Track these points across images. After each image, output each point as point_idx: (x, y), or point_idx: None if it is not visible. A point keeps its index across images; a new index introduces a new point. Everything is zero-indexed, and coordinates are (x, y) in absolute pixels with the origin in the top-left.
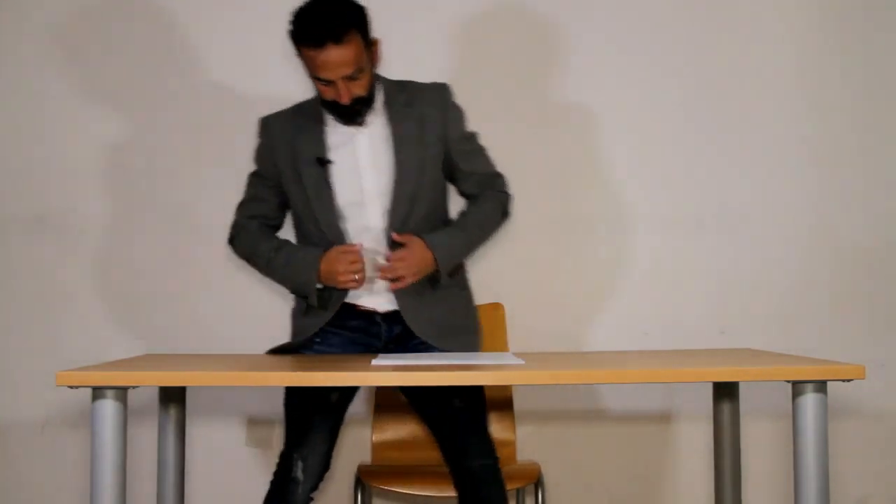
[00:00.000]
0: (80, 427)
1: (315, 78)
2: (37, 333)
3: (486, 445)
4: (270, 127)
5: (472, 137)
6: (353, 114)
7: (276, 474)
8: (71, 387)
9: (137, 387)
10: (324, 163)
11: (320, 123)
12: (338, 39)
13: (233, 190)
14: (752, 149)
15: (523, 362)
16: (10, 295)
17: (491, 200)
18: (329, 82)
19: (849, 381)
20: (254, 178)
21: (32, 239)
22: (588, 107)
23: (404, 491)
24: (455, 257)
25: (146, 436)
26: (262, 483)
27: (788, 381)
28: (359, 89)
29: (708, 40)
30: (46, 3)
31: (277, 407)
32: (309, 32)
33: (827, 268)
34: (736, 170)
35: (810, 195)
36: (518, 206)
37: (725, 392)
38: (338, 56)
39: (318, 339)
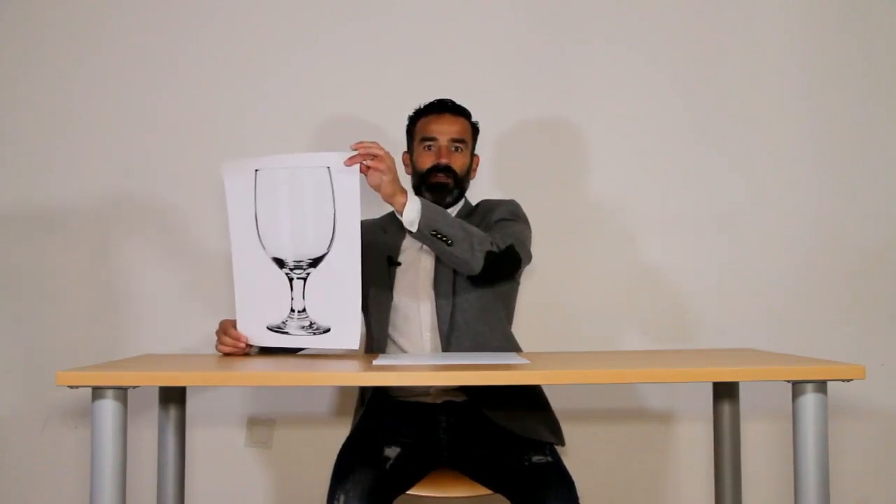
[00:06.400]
0: (80, 427)
1: (423, 141)
2: (37, 333)
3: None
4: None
5: (509, 222)
6: (443, 189)
7: None
8: (71, 387)
9: (137, 387)
10: (392, 263)
11: (402, 229)
12: (454, 112)
13: None
14: (752, 149)
15: (528, 362)
16: (10, 295)
17: (485, 234)
18: (433, 144)
19: (849, 381)
20: None
21: (32, 239)
22: (589, 107)
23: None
24: (429, 209)
25: (146, 436)
26: (262, 483)
27: (788, 381)
28: (456, 163)
29: (708, 40)
30: (44, 2)
31: (277, 407)
32: (432, 105)
33: (827, 267)
34: (736, 170)
35: (810, 195)
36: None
37: (725, 392)
38: (451, 121)
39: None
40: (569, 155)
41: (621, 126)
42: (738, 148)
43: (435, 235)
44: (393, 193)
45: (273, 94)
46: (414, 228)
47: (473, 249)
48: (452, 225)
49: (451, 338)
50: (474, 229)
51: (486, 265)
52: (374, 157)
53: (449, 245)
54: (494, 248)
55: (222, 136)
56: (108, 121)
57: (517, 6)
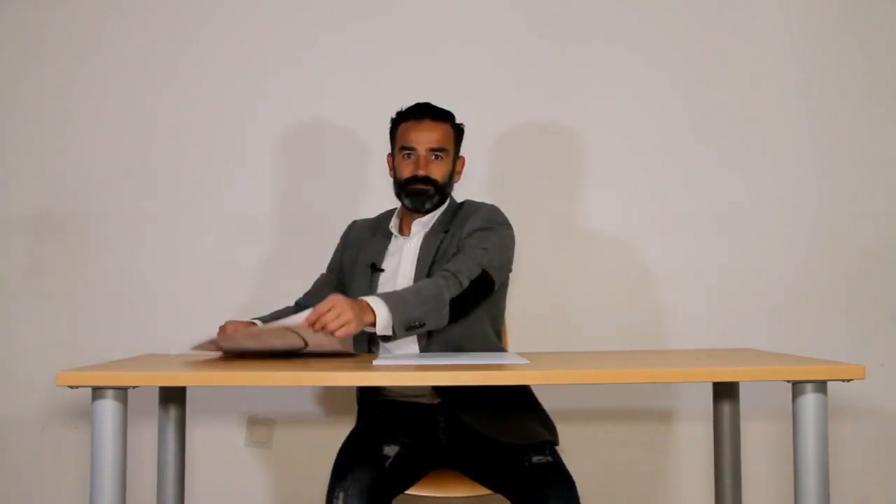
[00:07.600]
0: (80, 427)
1: (402, 149)
2: (37, 333)
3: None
4: (351, 229)
5: (484, 232)
6: (423, 195)
7: None
8: (71, 387)
9: (137, 387)
10: (375, 269)
11: (389, 234)
12: (435, 117)
13: (234, 189)
14: (753, 149)
15: (528, 362)
16: (10, 295)
17: (445, 280)
18: (411, 153)
19: (849, 381)
20: (323, 273)
21: (33, 239)
22: (589, 108)
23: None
24: (393, 304)
25: (146, 436)
26: (262, 483)
27: (788, 381)
28: (436, 171)
29: (708, 40)
30: (44, 2)
31: (277, 407)
32: (412, 109)
33: (827, 267)
34: (736, 170)
35: (810, 195)
36: (520, 207)
37: (725, 392)
38: (430, 128)
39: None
40: (569, 155)
41: (621, 126)
42: (738, 148)
43: (411, 328)
44: (360, 325)
45: (273, 94)
46: (389, 332)
47: (441, 312)
48: (417, 304)
49: (429, 347)
50: (432, 287)
51: (453, 310)
52: (326, 324)
53: (422, 327)
54: (457, 291)
55: (222, 136)
56: (108, 121)
57: (517, 6)
